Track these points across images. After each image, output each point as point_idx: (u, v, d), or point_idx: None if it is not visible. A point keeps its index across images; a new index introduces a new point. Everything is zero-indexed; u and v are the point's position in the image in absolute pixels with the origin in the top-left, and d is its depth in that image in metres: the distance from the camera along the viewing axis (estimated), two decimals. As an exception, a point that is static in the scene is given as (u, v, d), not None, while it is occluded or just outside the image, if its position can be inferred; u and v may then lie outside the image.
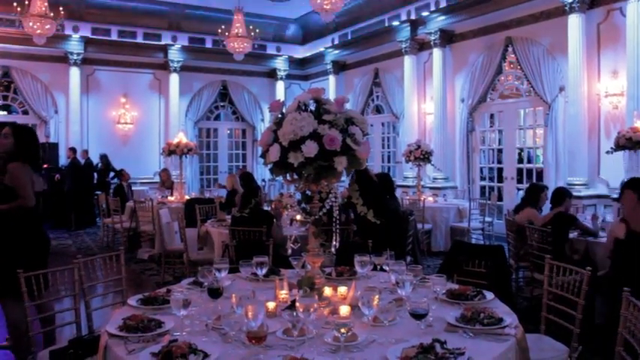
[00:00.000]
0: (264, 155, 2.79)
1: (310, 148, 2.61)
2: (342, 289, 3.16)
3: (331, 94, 15.71)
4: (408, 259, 6.26)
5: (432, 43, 12.82)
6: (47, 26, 11.83)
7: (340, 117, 2.76)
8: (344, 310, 2.71)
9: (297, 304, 2.45)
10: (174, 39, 16.28)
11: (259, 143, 2.80)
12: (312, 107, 2.82)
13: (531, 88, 11.09)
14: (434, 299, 3.05)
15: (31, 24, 11.70)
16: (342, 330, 2.33)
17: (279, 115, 2.80)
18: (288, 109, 2.80)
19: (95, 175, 14.38)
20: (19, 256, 4.38)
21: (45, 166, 11.94)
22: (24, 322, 3.87)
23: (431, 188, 12.41)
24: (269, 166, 2.78)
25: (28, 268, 3.59)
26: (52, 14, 11.79)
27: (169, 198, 10.80)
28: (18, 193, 4.47)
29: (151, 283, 7.73)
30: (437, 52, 12.75)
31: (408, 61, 13.74)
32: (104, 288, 4.49)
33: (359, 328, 2.55)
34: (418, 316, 2.61)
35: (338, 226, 2.97)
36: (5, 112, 15.47)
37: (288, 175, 2.82)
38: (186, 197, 10.73)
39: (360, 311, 2.66)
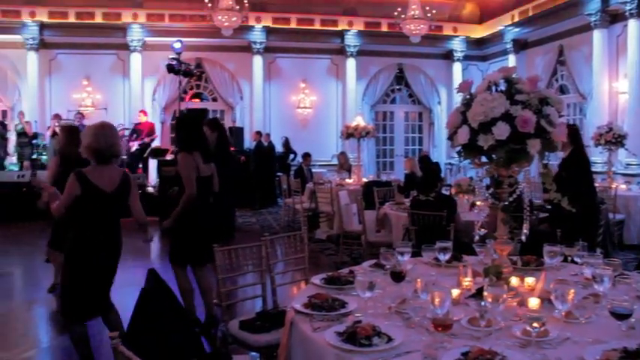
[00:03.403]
0: (451, 137, 2.70)
1: (502, 130, 2.47)
2: (530, 280, 2.99)
3: (511, 75, 14.95)
4: (598, 251, 5.79)
5: (626, 13, 11.61)
6: (234, 19, 12.74)
7: (534, 97, 2.58)
8: (534, 302, 2.56)
9: (486, 293, 2.35)
10: (350, 24, 16.49)
11: (446, 125, 2.71)
12: (503, 87, 2.67)
13: None
14: (635, 298, 2.75)
15: (219, 17, 12.65)
16: (535, 324, 2.19)
17: (468, 96, 2.69)
18: (478, 89, 2.67)
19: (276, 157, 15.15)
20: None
21: (232, 149, 12.78)
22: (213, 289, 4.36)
23: (623, 175, 11.36)
24: (457, 148, 2.68)
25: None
26: (237, 7, 12.59)
27: (347, 180, 11.01)
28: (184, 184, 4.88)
29: (329, 262, 7.94)
30: (633, 24, 11.54)
31: (597, 35, 12.61)
32: (285, 265, 4.69)
33: (550, 324, 2.37)
34: (620, 315, 2.36)
35: (528, 213, 2.80)
36: (198, 100, 16.85)
37: (476, 158, 2.71)
38: (364, 180, 10.89)
39: (550, 305, 2.48)
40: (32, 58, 15.02)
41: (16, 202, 11.34)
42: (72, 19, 15.03)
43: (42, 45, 15.14)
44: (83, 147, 3.93)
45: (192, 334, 3.05)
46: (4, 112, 15.27)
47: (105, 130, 3.95)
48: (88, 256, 3.86)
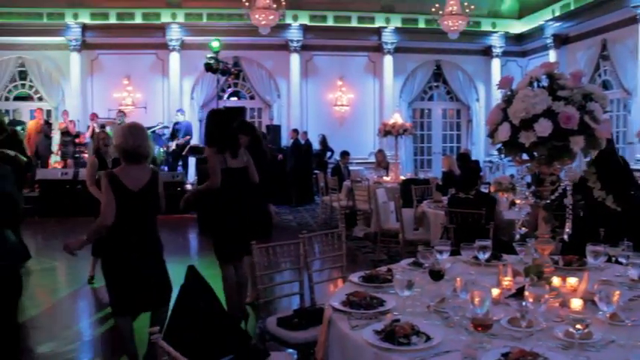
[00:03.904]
0: (492, 135, 2.66)
1: (544, 127, 2.42)
2: (572, 280, 2.93)
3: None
4: (642, 252, 5.63)
5: (675, 5, 11.30)
6: (271, 17, 12.81)
7: (577, 93, 2.52)
8: (576, 303, 2.50)
9: (527, 292, 2.31)
10: (388, 21, 16.41)
11: (487, 122, 2.67)
12: (545, 83, 2.62)
13: None
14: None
15: (257, 16, 12.73)
16: (578, 326, 2.14)
17: (509, 92, 2.64)
18: (519, 85, 2.63)
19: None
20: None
21: (268, 146, 12.84)
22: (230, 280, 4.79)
23: (670, 172, 11.05)
24: (497, 145, 2.64)
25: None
26: (274, 6, 12.64)
27: (385, 178, 10.96)
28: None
29: (366, 260, 7.92)
30: (681, 17, 11.22)
31: (644, 28, 12.30)
32: (322, 263, 4.68)
33: (593, 326, 2.31)
34: (668, 318, 2.30)
35: (571, 212, 2.74)
36: (235, 98, 17.00)
37: (517, 155, 2.66)
38: (402, 177, 10.82)
39: (594, 306, 2.41)
40: (75, 59, 15.40)
41: (60, 199, 11.86)
42: (113, 20, 15.35)
43: (84, 46, 15.49)
44: (113, 146, 4.12)
45: (231, 330, 3.08)
46: (49, 112, 15.65)
47: (132, 131, 4.02)
48: (120, 257, 3.93)
